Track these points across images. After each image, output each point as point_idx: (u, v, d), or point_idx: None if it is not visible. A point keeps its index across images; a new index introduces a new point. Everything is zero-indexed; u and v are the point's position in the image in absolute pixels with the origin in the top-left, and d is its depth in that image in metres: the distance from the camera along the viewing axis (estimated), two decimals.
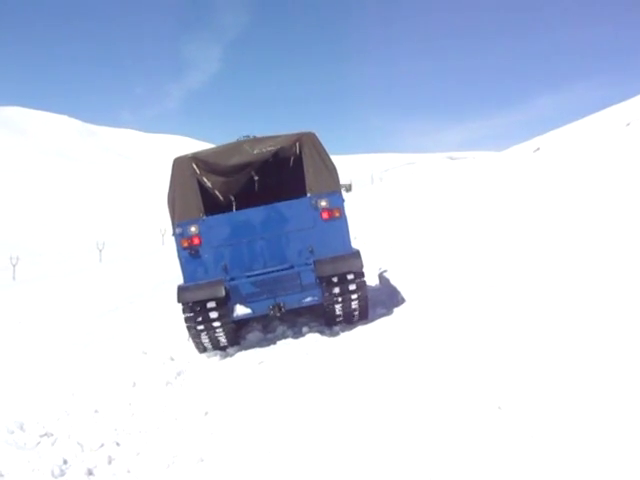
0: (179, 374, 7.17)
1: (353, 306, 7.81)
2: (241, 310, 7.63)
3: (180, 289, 7.46)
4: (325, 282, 7.54)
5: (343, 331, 7.70)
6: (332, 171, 7.75)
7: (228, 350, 7.93)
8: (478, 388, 4.21)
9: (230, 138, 8.17)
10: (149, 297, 14.60)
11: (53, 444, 5.30)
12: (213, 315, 7.43)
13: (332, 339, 7.34)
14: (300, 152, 7.71)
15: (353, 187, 70.83)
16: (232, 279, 7.60)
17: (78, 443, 5.19)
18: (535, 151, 35.99)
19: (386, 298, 9.43)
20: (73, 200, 79.80)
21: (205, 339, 7.74)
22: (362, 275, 7.67)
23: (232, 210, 7.82)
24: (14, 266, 32.46)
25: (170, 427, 5.46)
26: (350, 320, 8.04)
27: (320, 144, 7.75)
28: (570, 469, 3.00)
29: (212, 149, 8.05)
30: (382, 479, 3.40)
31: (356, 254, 7.61)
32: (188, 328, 7.62)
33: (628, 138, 22.27)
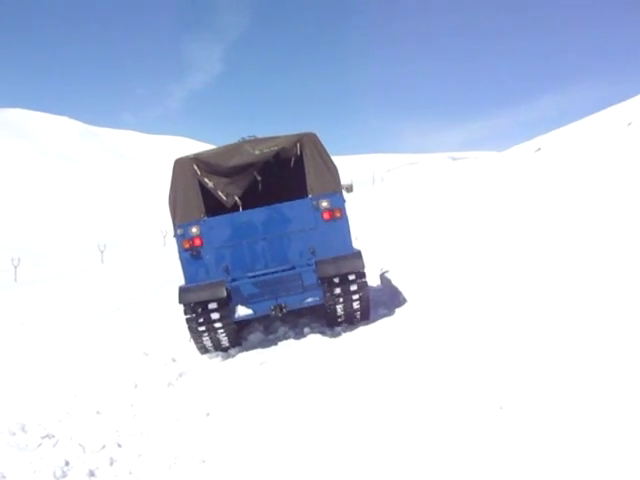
0: (181, 375, 7.18)
1: (355, 307, 7.81)
2: (243, 311, 7.63)
3: (181, 290, 7.46)
4: (326, 283, 7.54)
5: (345, 332, 7.69)
6: (333, 172, 7.75)
7: (230, 351, 7.94)
8: (480, 388, 4.20)
9: (231, 139, 8.16)
10: (151, 298, 14.61)
11: (55, 445, 5.30)
12: (214, 316, 7.43)
13: (334, 340, 7.33)
14: (301, 153, 7.71)
15: (354, 187, 70.86)
16: (233, 280, 7.60)
17: (80, 444, 5.20)
18: (536, 151, 35.97)
19: (387, 299, 9.44)
20: (74, 202, 79.85)
21: (207, 340, 7.74)
22: (363, 275, 7.67)
23: (233, 211, 7.82)
24: (16, 268, 32.49)
25: (172, 428, 5.46)
26: (352, 321, 8.04)
27: (321, 144, 7.75)
28: (572, 469, 2.99)
29: (213, 150, 8.04)
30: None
31: (357, 254, 7.61)
32: (189, 329, 7.63)
33: (629, 138, 22.24)
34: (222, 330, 7.62)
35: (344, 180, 8.54)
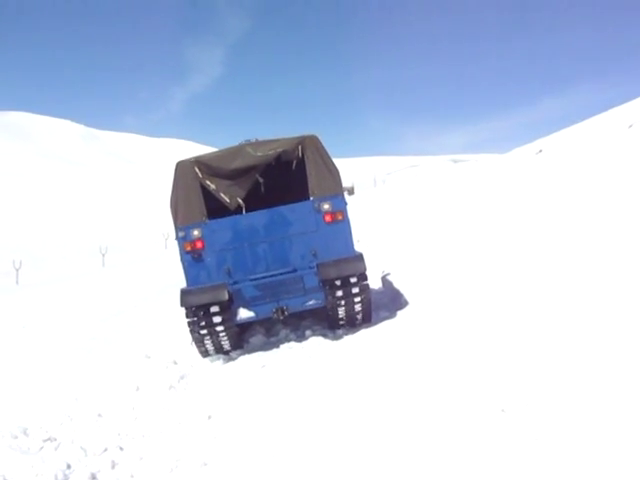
0: (182, 378, 7.16)
1: (356, 309, 7.80)
2: (244, 314, 7.62)
3: (183, 293, 7.46)
4: (328, 285, 7.53)
5: (346, 334, 7.70)
6: (335, 174, 7.75)
7: (231, 354, 7.94)
8: (481, 391, 4.20)
9: (233, 142, 8.18)
10: (152, 301, 14.60)
11: (56, 449, 5.30)
12: (216, 319, 7.42)
13: (335, 342, 7.33)
14: (303, 155, 7.71)
15: (356, 190, 70.84)
16: (235, 282, 7.60)
17: (81, 448, 5.20)
18: (537, 153, 35.95)
19: (389, 301, 9.43)
20: (76, 204, 79.88)
21: (208, 343, 7.73)
22: (365, 278, 7.66)
23: (235, 214, 7.82)
24: (17, 270, 32.48)
25: (173, 431, 5.45)
26: (353, 323, 8.03)
27: (322, 147, 7.75)
28: (575, 472, 2.98)
29: (215, 153, 8.04)
30: None
31: (359, 257, 7.60)
32: (191, 332, 7.62)
33: (630, 140, 22.23)
34: (224, 333, 7.61)
35: (345, 183, 8.54)
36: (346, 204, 7.83)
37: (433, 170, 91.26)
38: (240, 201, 7.71)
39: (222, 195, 7.71)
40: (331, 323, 8.13)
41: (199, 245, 7.59)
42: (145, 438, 5.44)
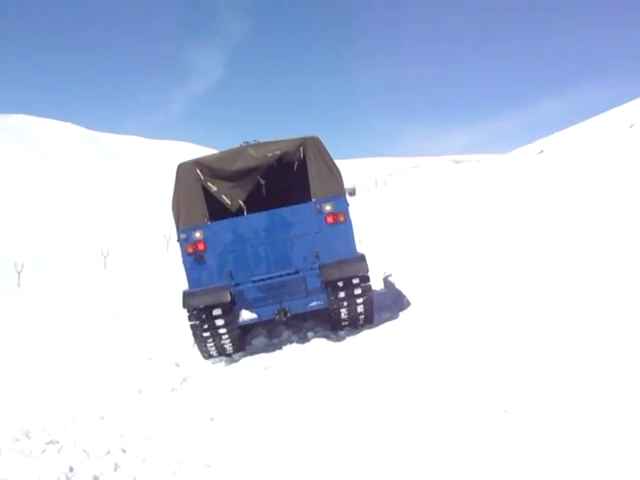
0: (184, 380, 7.16)
1: (359, 310, 7.79)
2: (247, 315, 7.61)
3: (185, 295, 7.45)
4: (330, 287, 7.52)
5: (348, 336, 7.69)
6: (336, 175, 7.74)
7: (233, 356, 7.93)
8: (484, 392, 4.19)
9: (234, 144, 8.17)
10: (154, 303, 14.61)
11: (59, 451, 5.30)
12: (219, 321, 7.41)
13: (337, 344, 7.33)
14: (304, 156, 7.70)
15: (357, 191, 70.86)
16: (237, 284, 7.59)
17: (84, 450, 5.19)
18: (539, 153, 35.94)
19: (391, 302, 9.42)
20: (77, 207, 79.92)
21: (211, 345, 7.71)
22: (367, 279, 7.65)
23: (237, 215, 7.81)
24: (19, 273, 32.49)
25: (176, 433, 5.45)
26: (355, 324, 8.02)
27: (324, 148, 7.74)
28: (578, 473, 2.98)
29: (216, 154, 8.03)
30: None
31: (361, 258, 7.59)
32: (194, 334, 7.61)
33: (631, 140, 22.21)
34: (226, 335, 7.60)
35: (347, 184, 8.54)
36: (348, 205, 7.82)
37: (434, 171, 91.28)
38: (241, 203, 7.71)
39: (224, 197, 7.70)
40: (333, 324, 8.12)
41: (201, 247, 7.58)
42: (148, 440, 5.43)
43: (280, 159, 7.73)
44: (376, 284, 10.54)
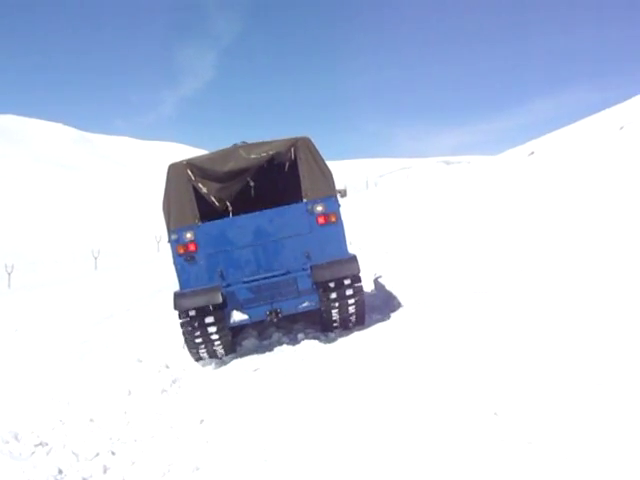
0: (174, 382, 7.14)
1: (350, 311, 7.78)
2: (238, 316, 7.59)
3: (176, 296, 7.42)
4: (322, 287, 7.51)
5: (339, 337, 7.69)
6: (328, 176, 7.74)
7: (223, 357, 7.90)
8: (474, 394, 4.20)
9: (224, 144, 8.14)
10: (145, 305, 14.56)
11: (48, 454, 5.27)
12: (210, 322, 7.38)
13: (328, 345, 7.32)
14: (295, 157, 7.69)
15: (348, 192, 70.85)
16: (228, 285, 7.57)
17: (73, 452, 5.17)
18: (529, 155, 36.06)
19: (381, 303, 9.43)
20: (68, 208, 79.66)
21: (201, 347, 7.67)
22: (359, 280, 7.65)
23: (228, 216, 7.80)
24: (9, 274, 32.36)
25: (165, 435, 5.43)
26: (347, 325, 8.02)
27: (315, 148, 7.74)
28: (567, 476, 2.99)
29: (207, 155, 8.00)
30: None
31: (353, 259, 7.59)
32: (184, 334, 7.57)
33: (621, 141, 22.32)
34: (217, 336, 7.54)
35: (337, 185, 8.53)
36: (339, 206, 7.82)
37: (425, 172, 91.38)
38: (232, 204, 7.69)
39: (215, 198, 7.69)
40: (324, 326, 8.11)
41: (192, 248, 7.55)
42: (137, 442, 5.41)
43: (271, 160, 7.72)
44: (366, 285, 10.55)
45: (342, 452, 3.91)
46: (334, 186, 7.83)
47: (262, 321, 7.92)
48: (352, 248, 10.67)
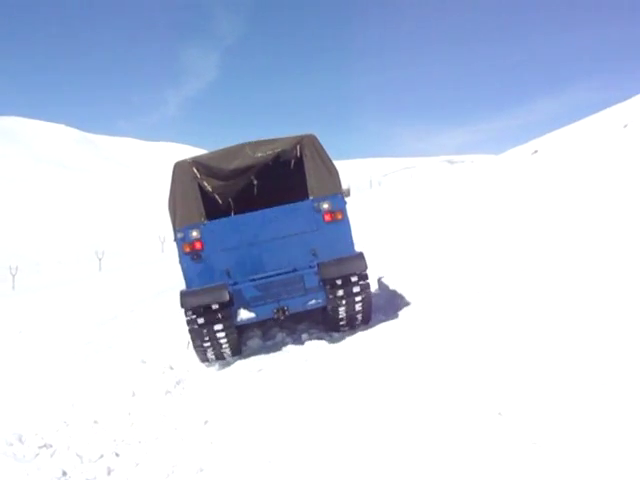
0: (178, 383, 7.12)
1: (357, 309, 7.74)
2: (245, 314, 7.54)
3: (183, 294, 7.38)
4: (329, 284, 7.47)
5: (342, 338, 7.65)
6: (334, 173, 7.72)
7: (228, 359, 7.87)
8: (478, 394, 4.18)
9: (228, 145, 8.15)
10: (148, 305, 14.57)
11: (52, 455, 5.27)
12: (217, 320, 7.31)
13: (332, 346, 7.30)
14: (301, 155, 7.67)
15: (351, 192, 70.83)
16: (235, 283, 7.52)
17: (77, 454, 5.18)
18: (533, 154, 36.05)
19: (385, 303, 9.41)
20: (72, 209, 79.80)
21: (208, 346, 7.61)
22: (366, 277, 7.61)
23: (234, 214, 7.77)
24: (13, 276, 32.45)
25: (169, 437, 5.43)
26: (353, 324, 7.97)
27: (321, 146, 7.72)
28: (572, 476, 2.97)
29: (213, 153, 7.94)
30: None
31: (360, 256, 7.57)
32: (190, 332, 7.52)
33: (625, 140, 22.28)
34: (224, 334, 7.44)
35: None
36: (345, 203, 7.80)
37: (429, 171, 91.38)
38: (238, 201, 7.66)
39: (220, 196, 7.67)
40: (330, 325, 8.06)
41: (198, 246, 7.52)
42: (141, 444, 5.41)
43: (277, 157, 7.69)
44: (371, 285, 10.53)
45: (346, 453, 3.90)
46: (340, 184, 7.81)
47: (265, 321, 7.89)
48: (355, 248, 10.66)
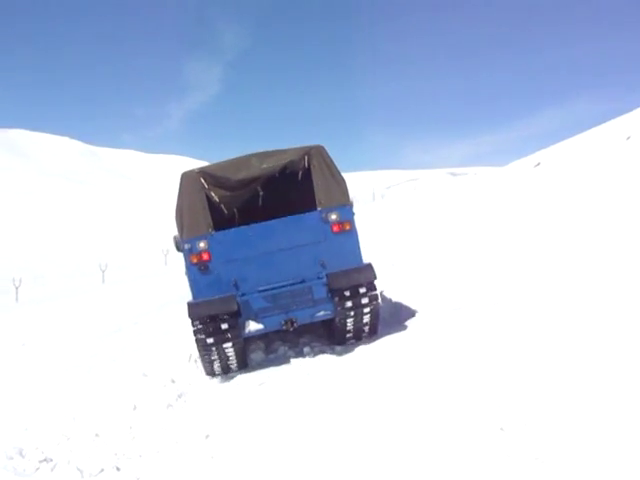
0: (180, 396, 7.10)
1: (365, 320, 7.71)
2: (253, 326, 7.49)
3: (191, 305, 7.35)
4: (338, 295, 7.44)
5: (345, 351, 7.63)
6: (341, 184, 7.72)
7: (234, 371, 7.83)
8: (481, 409, 4.16)
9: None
10: (152, 318, 14.56)
11: (52, 470, 5.26)
12: (225, 331, 7.27)
13: (334, 359, 7.26)
14: (309, 165, 7.66)
15: (354, 204, 70.69)
16: (243, 294, 7.49)
17: (78, 469, 5.16)
18: (536, 166, 36.02)
19: (389, 316, 9.39)
20: (75, 221, 79.97)
21: (215, 358, 7.57)
22: (374, 288, 7.59)
23: (241, 225, 7.75)
24: (17, 288, 32.45)
25: (171, 451, 5.41)
26: (359, 336, 7.93)
27: (329, 157, 7.72)
28: None
29: (220, 163, 7.93)
30: None
31: (369, 267, 7.54)
32: (198, 345, 7.47)
33: (628, 152, 22.27)
34: (230, 344, 7.40)
35: None
36: (354, 214, 7.79)
37: (432, 184, 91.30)
38: (245, 212, 7.65)
39: (228, 206, 7.65)
40: (336, 337, 8.01)
41: (205, 257, 7.48)
42: (142, 458, 5.40)
43: (284, 168, 7.69)
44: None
45: (348, 468, 3.87)
46: (348, 194, 7.80)
47: (267, 334, 7.84)
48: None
